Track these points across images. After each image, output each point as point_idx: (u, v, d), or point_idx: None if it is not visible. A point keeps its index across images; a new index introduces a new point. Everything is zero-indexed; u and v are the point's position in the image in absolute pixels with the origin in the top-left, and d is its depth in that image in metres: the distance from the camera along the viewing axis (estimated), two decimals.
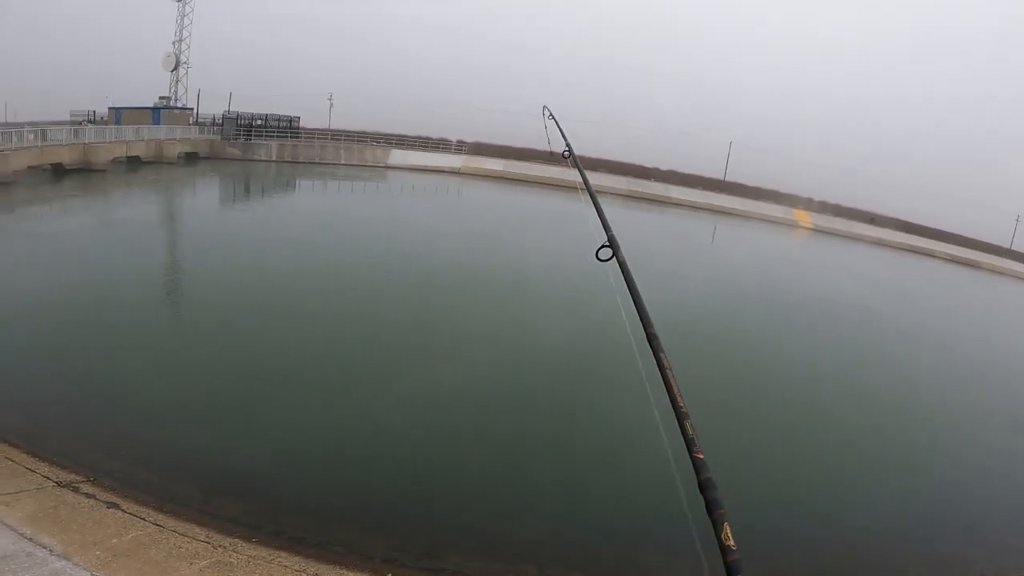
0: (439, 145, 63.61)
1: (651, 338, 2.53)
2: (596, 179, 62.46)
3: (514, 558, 7.99)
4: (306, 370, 12.90)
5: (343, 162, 56.78)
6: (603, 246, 3.49)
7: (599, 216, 4.34)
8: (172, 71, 62.36)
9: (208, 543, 6.54)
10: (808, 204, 70.59)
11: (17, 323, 13.98)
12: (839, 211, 70.37)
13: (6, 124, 49.57)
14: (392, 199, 44.82)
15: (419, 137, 62.17)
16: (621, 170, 66.66)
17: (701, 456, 1.94)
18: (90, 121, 53.92)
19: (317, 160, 56.02)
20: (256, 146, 54.80)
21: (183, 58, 62.32)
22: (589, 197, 4.69)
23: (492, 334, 16.27)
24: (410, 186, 50.32)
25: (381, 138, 61.12)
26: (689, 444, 1.98)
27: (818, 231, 66.21)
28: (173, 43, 62.89)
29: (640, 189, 64.69)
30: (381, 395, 11.93)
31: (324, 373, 12.86)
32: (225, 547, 6.55)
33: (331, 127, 60.86)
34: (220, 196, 40.29)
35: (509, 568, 7.80)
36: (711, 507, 1.83)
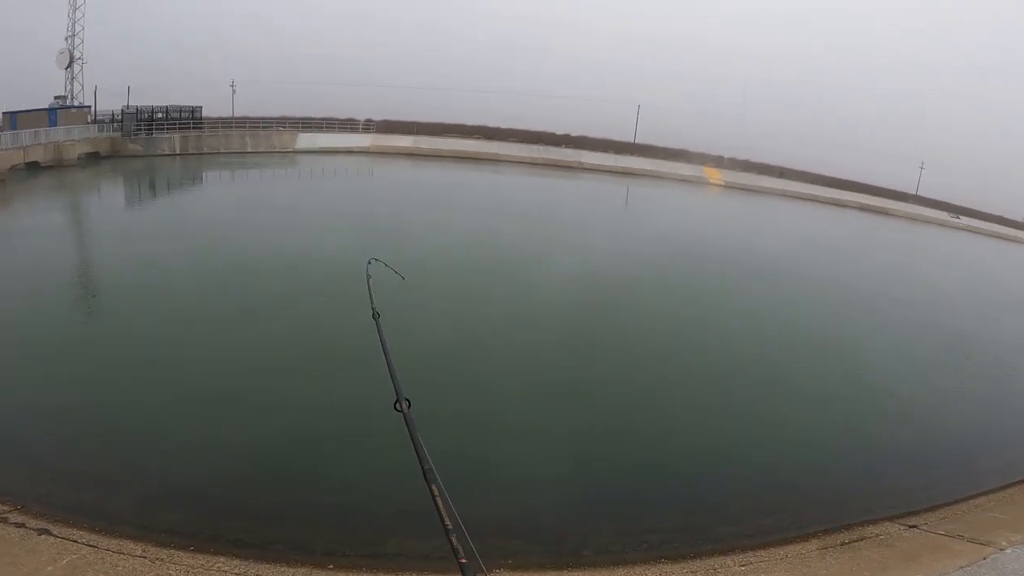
0: (347, 125, 63.33)
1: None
2: (506, 148, 63.73)
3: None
4: (225, 374, 12.83)
5: (249, 150, 56.29)
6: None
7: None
8: (67, 68, 60.77)
9: (145, 558, 6.53)
10: (718, 161, 72.97)
11: None
12: (749, 167, 72.90)
13: None
14: (296, 185, 44.81)
15: (326, 119, 61.90)
16: (532, 138, 67.83)
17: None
18: None
19: (222, 150, 55.42)
20: (158, 140, 54.03)
21: (77, 54, 60.84)
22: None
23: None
24: (319, 170, 50.44)
25: (287, 122, 60.78)
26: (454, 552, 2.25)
27: (729, 187, 68.59)
28: (66, 39, 61.27)
29: (552, 156, 65.78)
30: (297, 395, 11.97)
31: (243, 375, 12.79)
32: (163, 559, 6.56)
33: (235, 115, 60.57)
34: (119, 201, 38.59)
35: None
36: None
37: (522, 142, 66.74)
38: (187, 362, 13.16)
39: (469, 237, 28.57)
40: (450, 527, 2.36)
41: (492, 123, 67.97)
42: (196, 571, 6.47)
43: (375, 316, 4.29)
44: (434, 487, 2.50)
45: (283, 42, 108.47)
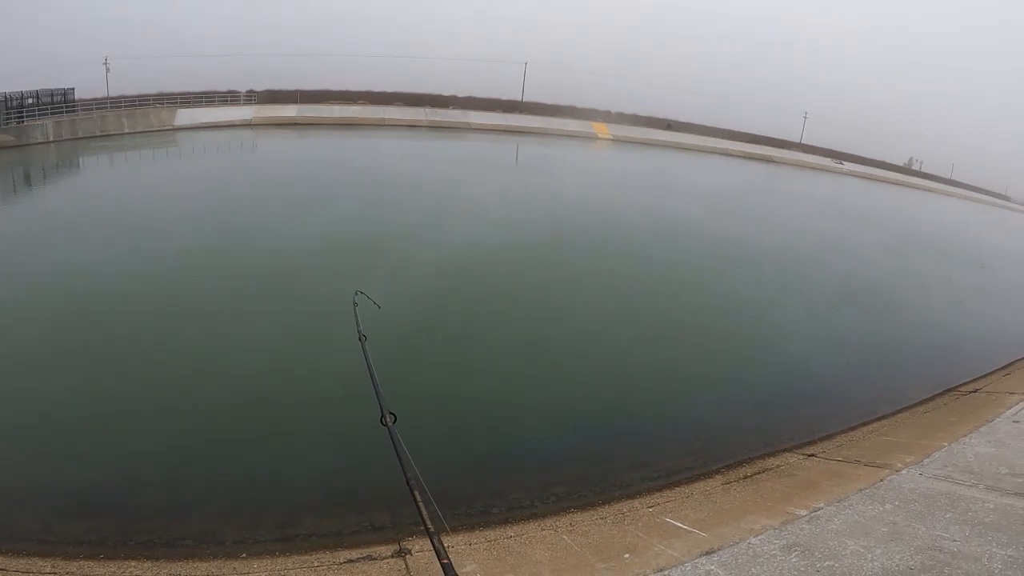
0: (228, 98, 62.30)
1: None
2: (392, 113, 64.73)
3: (367, 507, 8.66)
4: (107, 369, 12.52)
5: (127, 130, 55.63)
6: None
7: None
8: None
9: (54, 573, 6.41)
10: (606, 116, 75.34)
11: None
12: (636, 120, 75.63)
13: None
14: (170, 168, 43.56)
15: (205, 92, 60.69)
16: (418, 101, 68.40)
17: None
18: None
19: (99, 132, 54.83)
20: (31, 128, 53.16)
21: None
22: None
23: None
24: (201, 147, 50.24)
25: (165, 99, 59.09)
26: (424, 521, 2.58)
27: (617, 141, 71.11)
28: None
29: (439, 119, 66.43)
30: (184, 388, 11.91)
31: (129, 369, 12.53)
32: (72, 572, 6.42)
33: (110, 95, 59.82)
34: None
35: (365, 519, 8.38)
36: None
37: (408, 105, 67.35)
38: (75, 365, 12.68)
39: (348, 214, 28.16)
40: (432, 531, 2.63)
41: (377, 88, 68.26)
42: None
43: (361, 339, 4.96)
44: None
45: (157, 15, 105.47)
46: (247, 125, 59.59)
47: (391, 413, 3.58)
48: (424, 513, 2.89)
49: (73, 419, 10.65)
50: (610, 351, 15.45)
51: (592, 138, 71.22)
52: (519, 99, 74.60)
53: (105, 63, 61.19)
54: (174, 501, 8.57)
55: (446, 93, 70.65)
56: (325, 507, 8.63)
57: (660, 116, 76.48)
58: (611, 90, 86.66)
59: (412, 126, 63.28)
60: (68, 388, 11.58)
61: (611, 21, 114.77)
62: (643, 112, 76.24)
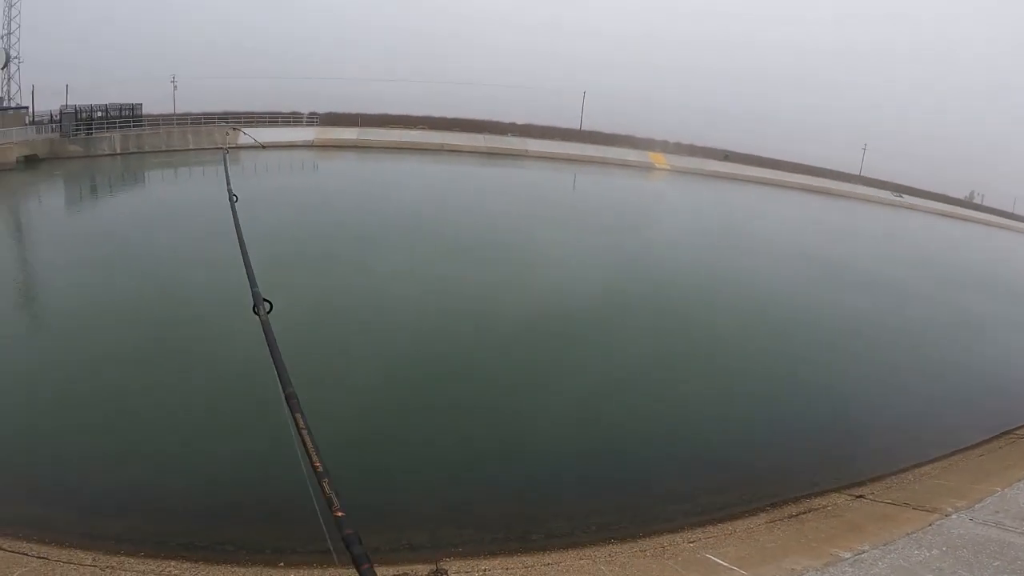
0: (291, 119, 63.29)
1: (289, 398, 2.89)
2: (451, 139, 65.06)
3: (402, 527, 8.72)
4: (159, 374, 12.67)
5: (192, 147, 57.00)
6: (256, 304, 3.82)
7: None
8: (3, 68, 60.82)
9: (95, 566, 6.55)
10: (663, 146, 74.93)
11: None
12: (694, 151, 75.08)
13: None
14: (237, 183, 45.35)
15: (269, 113, 61.95)
16: (477, 128, 68.48)
17: (340, 515, 2.22)
18: None
19: (164, 148, 55.83)
20: (98, 140, 54.07)
21: (13, 53, 60.80)
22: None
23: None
24: (263, 166, 51.29)
25: (230, 118, 59.97)
26: (329, 503, 2.25)
27: (674, 171, 70.67)
28: (1, 37, 61.24)
29: (498, 145, 66.50)
30: (237, 394, 11.86)
31: (181, 375, 12.70)
32: (113, 567, 6.55)
33: (176, 112, 61.02)
34: (60, 203, 38.60)
35: (402, 537, 8.43)
36: (357, 562, 2.18)
37: (467, 131, 67.29)
38: (126, 372, 12.82)
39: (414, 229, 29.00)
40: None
41: (437, 113, 68.64)
42: (147, 575, 6.55)
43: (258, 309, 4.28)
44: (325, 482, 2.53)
45: (225, 37, 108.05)
46: (309, 146, 60.11)
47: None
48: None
49: (121, 421, 10.87)
50: (660, 381, 15.13)
51: (649, 168, 70.52)
52: (577, 127, 74.72)
53: (172, 81, 62.61)
54: (215, 506, 8.63)
55: (505, 120, 71.42)
56: (362, 522, 8.58)
57: (717, 147, 76.04)
58: (668, 120, 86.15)
59: (471, 152, 63.51)
60: (124, 394, 11.81)
61: (665, 49, 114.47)
62: (700, 142, 76.05)
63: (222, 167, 49.74)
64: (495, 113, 71.34)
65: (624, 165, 69.01)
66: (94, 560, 6.71)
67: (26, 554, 6.82)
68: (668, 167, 71.32)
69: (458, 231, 29.20)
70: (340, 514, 2.26)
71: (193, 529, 7.97)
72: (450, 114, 68.54)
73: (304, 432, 2.59)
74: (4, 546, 7.01)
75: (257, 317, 3.92)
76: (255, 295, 4.02)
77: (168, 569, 6.76)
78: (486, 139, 66.78)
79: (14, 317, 16.73)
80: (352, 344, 15.48)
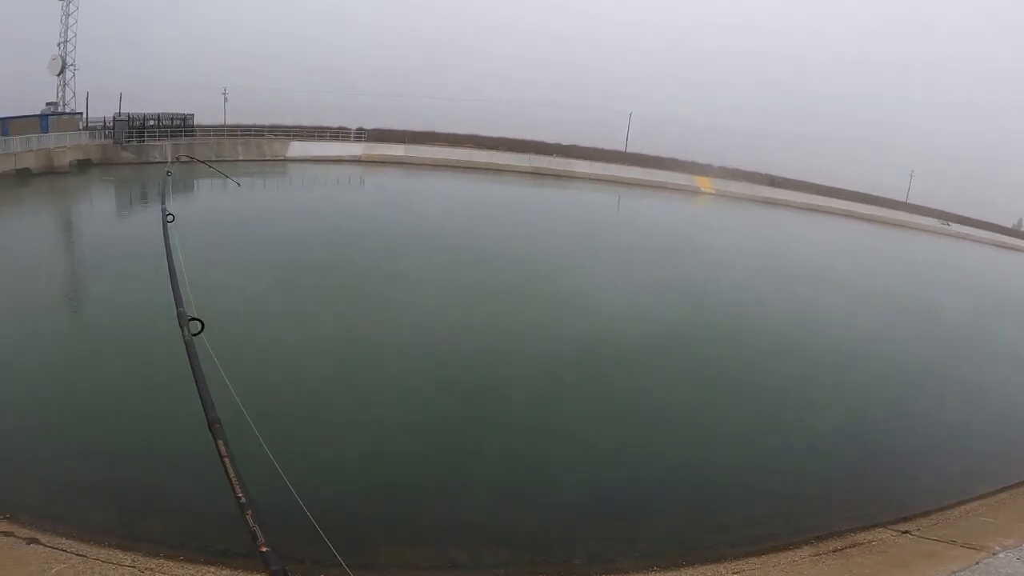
0: (338, 134, 63.64)
1: (211, 424, 2.78)
2: (497, 158, 65.05)
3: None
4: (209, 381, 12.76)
5: (241, 158, 57.36)
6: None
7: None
8: (59, 75, 61.64)
9: (135, 567, 6.51)
10: (708, 170, 74.37)
11: None
12: (739, 175, 74.42)
13: None
14: (280, 194, 44.98)
15: (318, 127, 62.33)
16: (522, 147, 68.34)
17: (265, 550, 2.17)
18: None
19: (214, 157, 56.70)
20: (150, 148, 54.84)
21: (69, 60, 61.82)
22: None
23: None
24: (312, 178, 51.06)
25: (279, 131, 61.03)
26: (252, 536, 2.21)
27: (719, 196, 70.17)
28: (58, 45, 62.22)
29: (542, 166, 66.29)
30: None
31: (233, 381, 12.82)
32: (152, 569, 6.51)
33: (227, 123, 61.63)
34: (112, 206, 39.82)
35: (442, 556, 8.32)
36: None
37: (512, 151, 67.44)
38: (174, 374, 13.03)
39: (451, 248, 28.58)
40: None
41: (483, 132, 68.76)
42: None
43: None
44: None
45: (276, 51, 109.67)
46: (356, 161, 60.42)
47: None
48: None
49: (167, 425, 10.66)
50: (705, 409, 14.59)
51: (695, 192, 69.82)
52: (622, 149, 74.41)
53: (224, 93, 63.55)
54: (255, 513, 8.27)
55: (550, 140, 70.66)
56: (402, 537, 8.52)
57: (761, 171, 75.23)
58: (713, 143, 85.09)
59: (515, 172, 63.42)
60: (170, 398, 11.28)
61: (709, 69, 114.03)
62: (745, 166, 75.21)
63: (269, 179, 50.53)
64: (540, 132, 71.34)
65: (669, 189, 68.43)
66: (133, 561, 6.68)
67: (65, 551, 6.79)
68: (713, 191, 70.66)
69: (495, 250, 28.67)
70: (264, 549, 2.08)
71: (232, 535, 7.68)
72: (495, 133, 68.88)
73: (226, 460, 2.40)
74: (44, 541, 6.99)
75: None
76: (180, 315, 3.86)
77: (206, 573, 6.73)
78: (531, 159, 66.75)
79: (63, 316, 17.14)
80: (386, 361, 15.15)
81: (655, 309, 22.08)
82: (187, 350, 3.53)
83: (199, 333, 3.82)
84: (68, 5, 60.61)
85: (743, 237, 46.83)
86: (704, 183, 71.95)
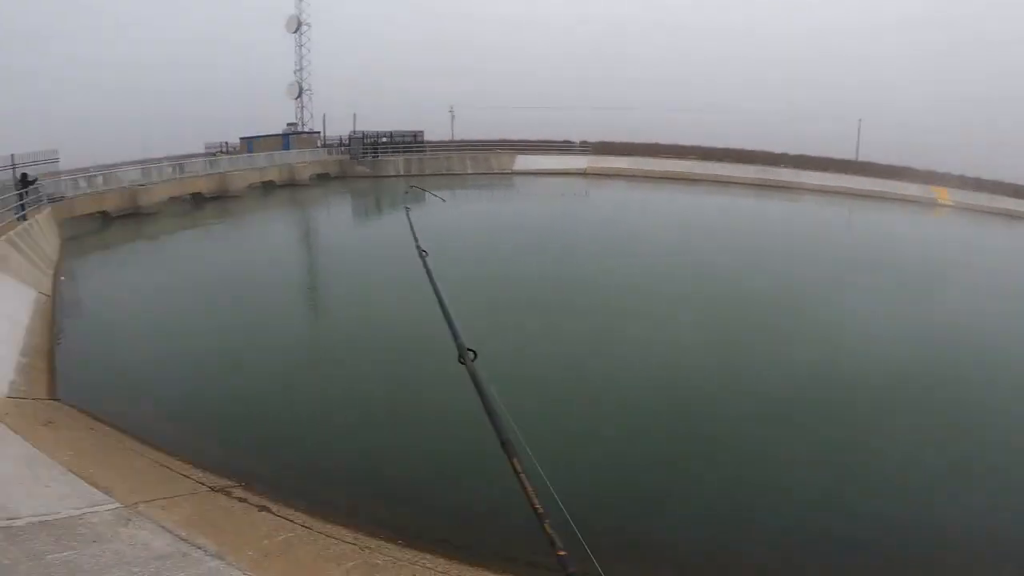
0: (563, 147, 62.70)
1: (503, 444, 2.80)
2: (722, 169, 61.98)
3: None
4: (453, 377, 11.85)
5: (469, 171, 57.93)
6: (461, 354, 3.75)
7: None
8: (296, 98, 65.25)
9: (355, 545, 6.61)
10: (946, 180, 68.06)
11: (169, 338, 15.06)
12: (980, 185, 67.60)
13: (146, 160, 52.85)
14: (511, 203, 44.80)
15: (542, 141, 61.70)
16: (747, 158, 64.55)
17: (563, 554, 2.17)
18: (223, 152, 57.27)
19: (444, 171, 57.34)
20: (384, 163, 56.79)
21: (305, 85, 65.37)
22: None
23: None
24: (540, 190, 50.97)
25: (505, 145, 61.59)
26: (551, 542, 2.19)
27: (959, 207, 63.81)
28: (294, 72, 65.95)
29: (770, 177, 62.14)
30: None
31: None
32: (371, 548, 6.58)
33: (454, 138, 62.67)
34: (355, 210, 42.49)
35: None
36: None
37: (737, 162, 63.88)
38: (429, 366, 12.31)
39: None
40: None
41: (707, 143, 65.11)
42: (402, 564, 6.39)
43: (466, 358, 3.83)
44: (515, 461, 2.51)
45: (497, 67, 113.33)
46: (581, 174, 58.85)
47: None
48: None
49: (402, 411, 10.98)
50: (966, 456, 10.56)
51: (931, 204, 62.96)
52: (852, 158, 68.81)
53: (451, 111, 65.05)
54: (478, 510, 8.09)
55: (776, 150, 66.09)
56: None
57: (1008, 181, 67.67)
58: (951, 151, 76.82)
59: (740, 184, 60.07)
60: (424, 390, 11.59)
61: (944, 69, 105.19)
62: (987, 175, 67.77)
63: (495, 190, 50.23)
64: (766, 143, 66.20)
65: (903, 200, 62.67)
66: (355, 539, 6.76)
67: (292, 521, 7.05)
68: (952, 203, 64.27)
69: (727, 267, 24.11)
70: (562, 553, 2.20)
71: (453, 527, 7.72)
72: (720, 143, 64.71)
73: (522, 475, 2.54)
74: (274, 510, 7.27)
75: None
76: (459, 346, 3.78)
77: (422, 560, 6.59)
78: (757, 171, 62.85)
79: (310, 309, 18.61)
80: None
81: (910, 339, 16.96)
82: (472, 376, 3.44)
83: (474, 360, 3.59)
84: (300, 36, 64.15)
85: (1002, 256, 40.75)
86: (942, 194, 65.62)
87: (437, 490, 8.66)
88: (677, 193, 54.90)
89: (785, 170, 63.31)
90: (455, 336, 4.01)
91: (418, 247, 6.53)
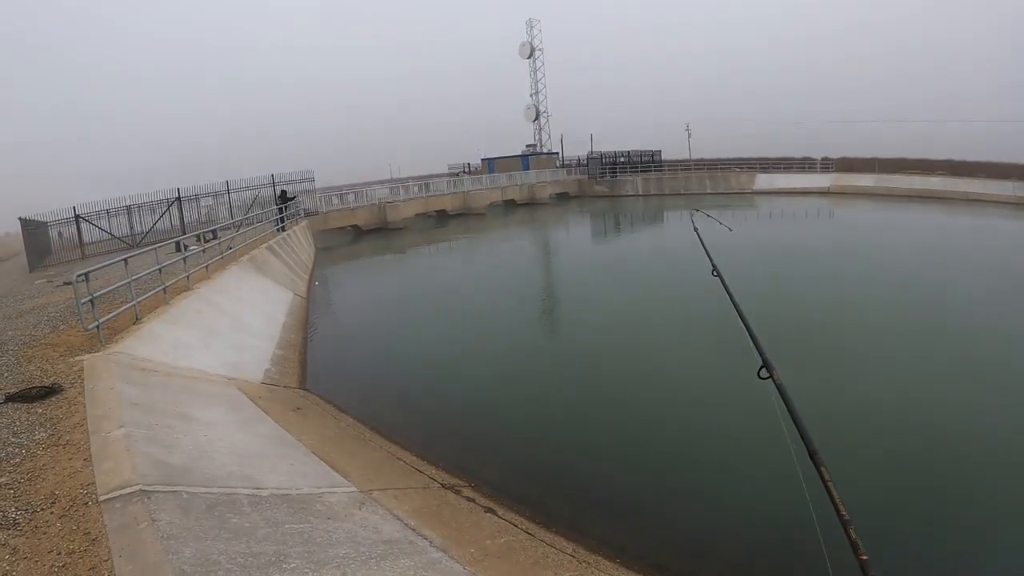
0: (804, 165, 60.56)
1: (812, 455, 3.01)
2: (974, 186, 56.92)
3: None
4: (690, 396, 11.86)
5: (708, 191, 57.50)
6: (761, 367, 3.83)
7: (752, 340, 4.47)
8: (534, 121, 68.35)
9: (574, 557, 6.60)
10: None
11: (408, 340, 16.03)
12: None
13: (394, 180, 57.20)
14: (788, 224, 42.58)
15: (782, 159, 59.87)
16: (1004, 172, 56.46)
17: (865, 558, 2.25)
18: (466, 172, 60.96)
19: (682, 191, 57.40)
20: (622, 182, 57.85)
21: (542, 108, 68.42)
22: None
23: None
24: (782, 210, 49.19)
25: (743, 163, 60.47)
26: (854, 547, 2.31)
27: None
28: (530, 95, 69.02)
29: None
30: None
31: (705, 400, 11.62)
32: (589, 563, 6.53)
33: (692, 157, 62.91)
34: (596, 229, 42.40)
35: None
36: None
37: (993, 177, 56.57)
38: (654, 384, 12.56)
39: None
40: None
41: (957, 156, 59.27)
42: None
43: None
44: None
45: (730, 84, 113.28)
46: (824, 193, 56.29)
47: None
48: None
49: (635, 430, 10.60)
50: None
51: None
52: None
53: (687, 129, 65.49)
54: (703, 539, 7.63)
55: None
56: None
57: None
58: None
59: (995, 202, 55.47)
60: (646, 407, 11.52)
61: None
62: None
63: (740, 210, 49.44)
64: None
65: None
66: (574, 551, 6.78)
67: (516, 525, 7.13)
68: None
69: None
70: (864, 557, 2.27)
71: (675, 552, 7.30)
72: (971, 156, 58.65)
73: (829, 484, 2.70)
74: (499, 513, 7.41)
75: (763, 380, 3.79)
76: (765, 361, 3.82)
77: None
78: (1015, 187, 57.88)
79: (550, 319, 18.64)
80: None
81: None
82: (780, 391, 3.60)
83: (770, 377, 3.70)
84: (534, 62, 67.10)
85: None
86: None
87: (663, 514, 8.32)
88: (932, 214, 50.86)
89: None
90: (759, 351, 4.10)
91: (713, 266, 6.67)
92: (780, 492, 7.49)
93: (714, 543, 7.62)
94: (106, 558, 4.26)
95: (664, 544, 7.54)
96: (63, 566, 4.22)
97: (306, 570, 4.68)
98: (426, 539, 6.02)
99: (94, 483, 5.36)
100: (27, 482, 5.52)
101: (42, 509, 5.01)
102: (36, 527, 4.76)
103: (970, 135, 66.93)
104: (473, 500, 7.82)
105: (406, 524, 6.31)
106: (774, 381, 3.76)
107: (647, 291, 21.27)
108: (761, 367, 3.90)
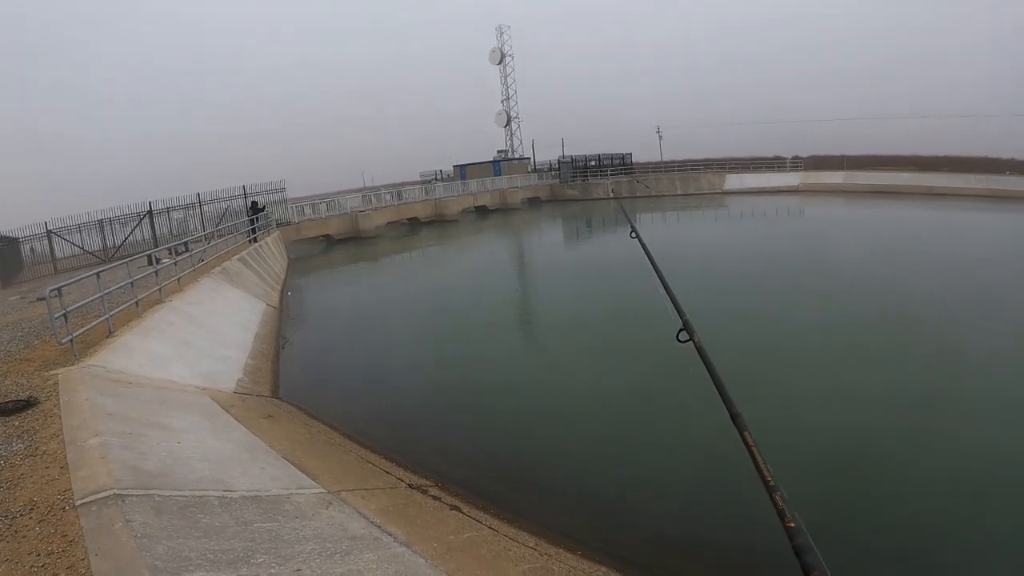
0: (773, 164, 61.42)
1: (734, 417, 2.88)
2: (939, 180, 58.39)
3: None
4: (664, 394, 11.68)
5: (679, 192, 58.26)
6: (680, 330, 3.79)
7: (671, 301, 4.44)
8: (505, 126, 68.81)
9: (535, 550, 6.80)
10: None
11: (381, 348, 16.42)
12: None
13: (366, 188, 57.33)
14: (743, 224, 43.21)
15: (751, 158, 60.90)
16: (967, 166, 59.06)
17: (792, 525, 2.14)
18: (437, 179, 61.21)
19: (653, 193, 58.54)
20: (593, 185, 58.36)
21: (512, 114, 68.85)
22: None
23: None
24: (751, 209, 49.84)
25: (713, 164, 61.16)
26: (780, 515, 2.19)
27: None
28: (501, 101, 69.53)
29: (997, 187, 58.00)
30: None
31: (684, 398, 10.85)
32: (550, 555, 6.75)
33: (663, 159, 63.73)
34: (565, 232, 43.26)
35: None
36: (807, 570, 2.00)
37: (956, 171, 58.10)
38: (615, 387, 12.62)
39: None
40: None
41: (925, 152, 61.21)
42: (577, 572, 6.51)
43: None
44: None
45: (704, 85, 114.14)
46: (793, 191, 57.17)
47: None
48: None
49: (599, 428, 10.80)
50: None
51: None
52: None
53: (658, 131, 66.28)
54: (663, 532, 7.81)
55: (1003, 156, 60.00)
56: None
57: None
58: None
59: (961, 195, 56.74)
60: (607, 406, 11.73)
61: None
62: None
63: (711, 211, 50.17)
64: (992, 148, 62.06)
65: None
66: (536, 544, 6.96)
67: (480, 522, 7.34)
68: None
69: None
70: (791, 524, 2.17)
71: (636, 545, 7.48)
72: (941, 151, 60.83)
73: (753, 448, 2.59)
74: (464, 510, 7.64)
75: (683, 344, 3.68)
76: (685, 323, 3.79)
77: (597, 572, 6.65)
78: (979, 180, 58.92)
79: (518, 325, 18.88)
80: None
81: None
82: (699, 353, 3.46)
83: (688, 340, 3.64)
84: (504, 67, 67.60)
85: None
86: None
87: (625, 507, 8.47)
88: (909, 209, 51.42)
89: (1012, 178, 58.72)
90: (679, 311, 4.02)
91: (632, 228, 6.94)
92: (718, 466, 8.17)
93: (662, 527, 7.97)
94: (83, 557, 4.52)
95: (618, 531, 7.86)
96: (43, 566, 4.48)
97: (272, 564, 4.94)
98: (391, 535, 6.23)
99: (71, 489, 5.56)
100: (6, 491, 5.72)
101: (21, 515, 5.25)
102: (16, 532, 5.00)
103: (939, 131, 68.55)
104: (439, 499, 8.03)
105: (372, 522, 6.51)
106: (694, 343, 3.64)
107: (592, 289, 22.47)
108: (681, 330, 3.82)
